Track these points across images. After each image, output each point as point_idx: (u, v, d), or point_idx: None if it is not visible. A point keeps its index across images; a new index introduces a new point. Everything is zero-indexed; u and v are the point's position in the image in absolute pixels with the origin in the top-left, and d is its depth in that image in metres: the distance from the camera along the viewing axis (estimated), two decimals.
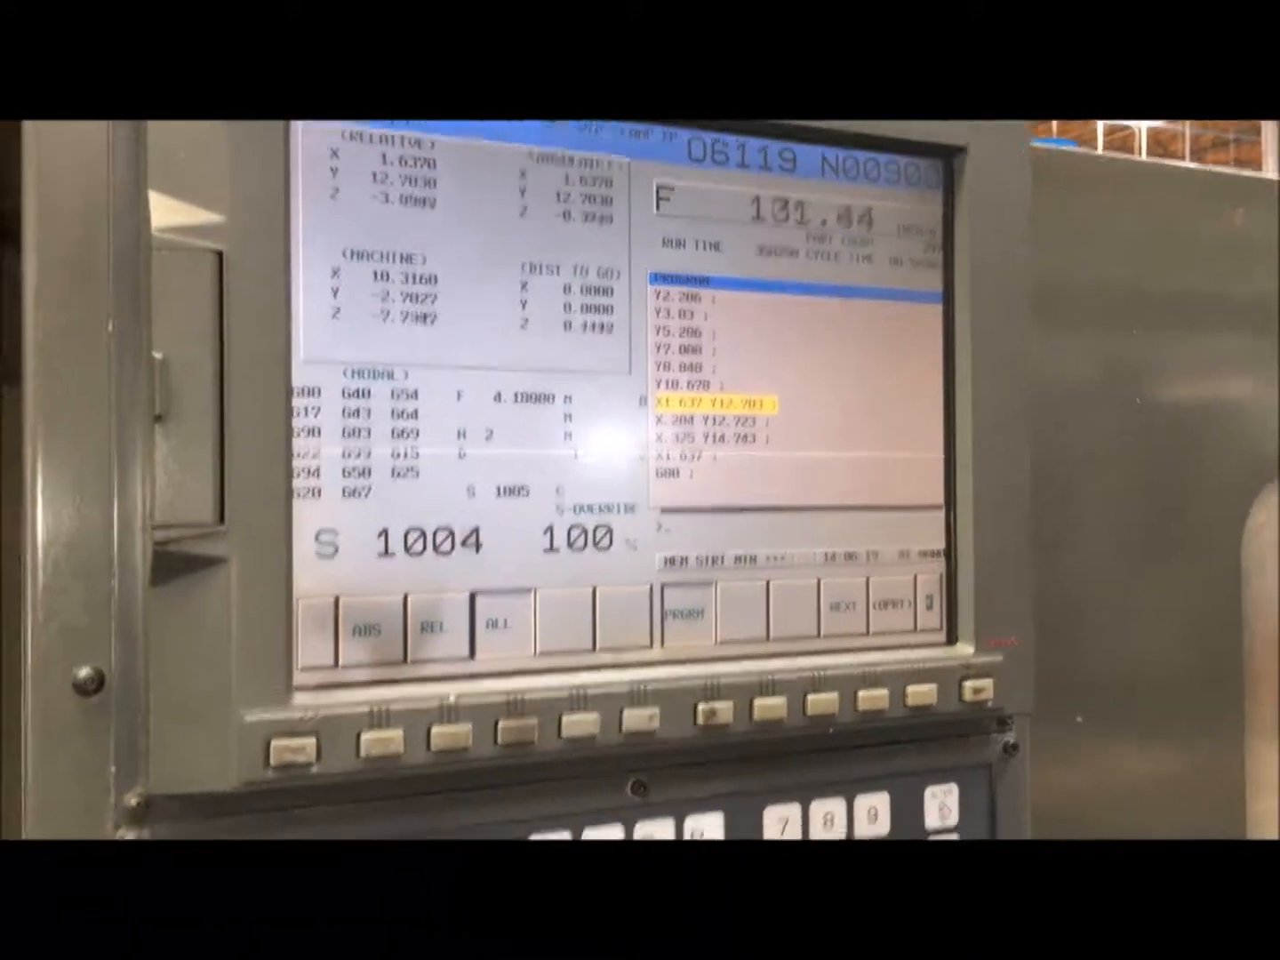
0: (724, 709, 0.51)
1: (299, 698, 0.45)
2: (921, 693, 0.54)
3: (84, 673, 0.44)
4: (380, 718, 0.45)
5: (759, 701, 0.51)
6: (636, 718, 0.49)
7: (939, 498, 0.58)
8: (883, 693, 0.54)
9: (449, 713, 0.46)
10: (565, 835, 0.51)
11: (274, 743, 0.44)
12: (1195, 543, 0.79)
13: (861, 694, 0.53)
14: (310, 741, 0.44)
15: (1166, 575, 0.78)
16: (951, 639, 0.57)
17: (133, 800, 0.44)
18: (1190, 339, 0.78)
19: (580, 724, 0.48)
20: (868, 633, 0.56)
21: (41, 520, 0.44)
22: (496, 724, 0.47)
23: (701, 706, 0.50)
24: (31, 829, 0.44)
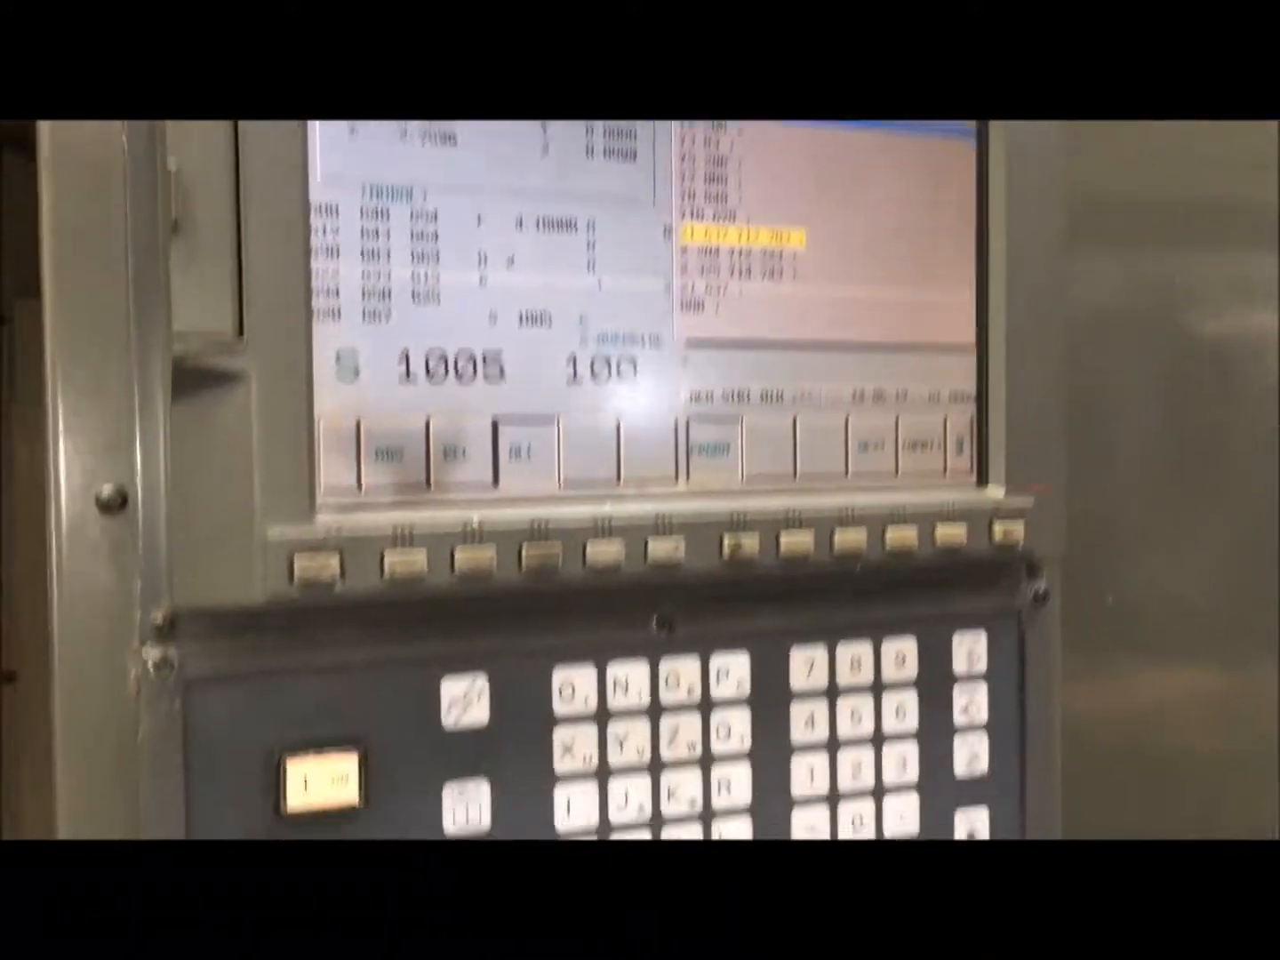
0: (750, 542, 0.50)
1: (322, 517, 0.45)
2: (950, 533, 0.54)
3: (107, 491, 0.44)
4: (404, 538, 0.45)
5: (785, 536, 0.51)
6: (661, 548, 0.49)
7: (970, 339, 0.56)
8: (911, 531, 0.53)
9: (473, 536, 0.46)
10: (590, 668, 0.51)
11: (297, 560, 0.43)
12: (1235, 466, 0.79)
13: (890, 532, 0.53)
14: (334, 559, 0.44)
15: (1205, 499, 0.78)
16: (982, 482, 0.56)
17: (158, 616, 0.45)
18: (1229, 254, 0.76)
19: (604, 552, 0.48)
20: (896, 474, 0.55)
21: (59, 337, 0.43)
22: (520, 549, 0.47)
23: (727, 539, 0.50)
24: (59, 652, 0.44)
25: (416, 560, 0.45)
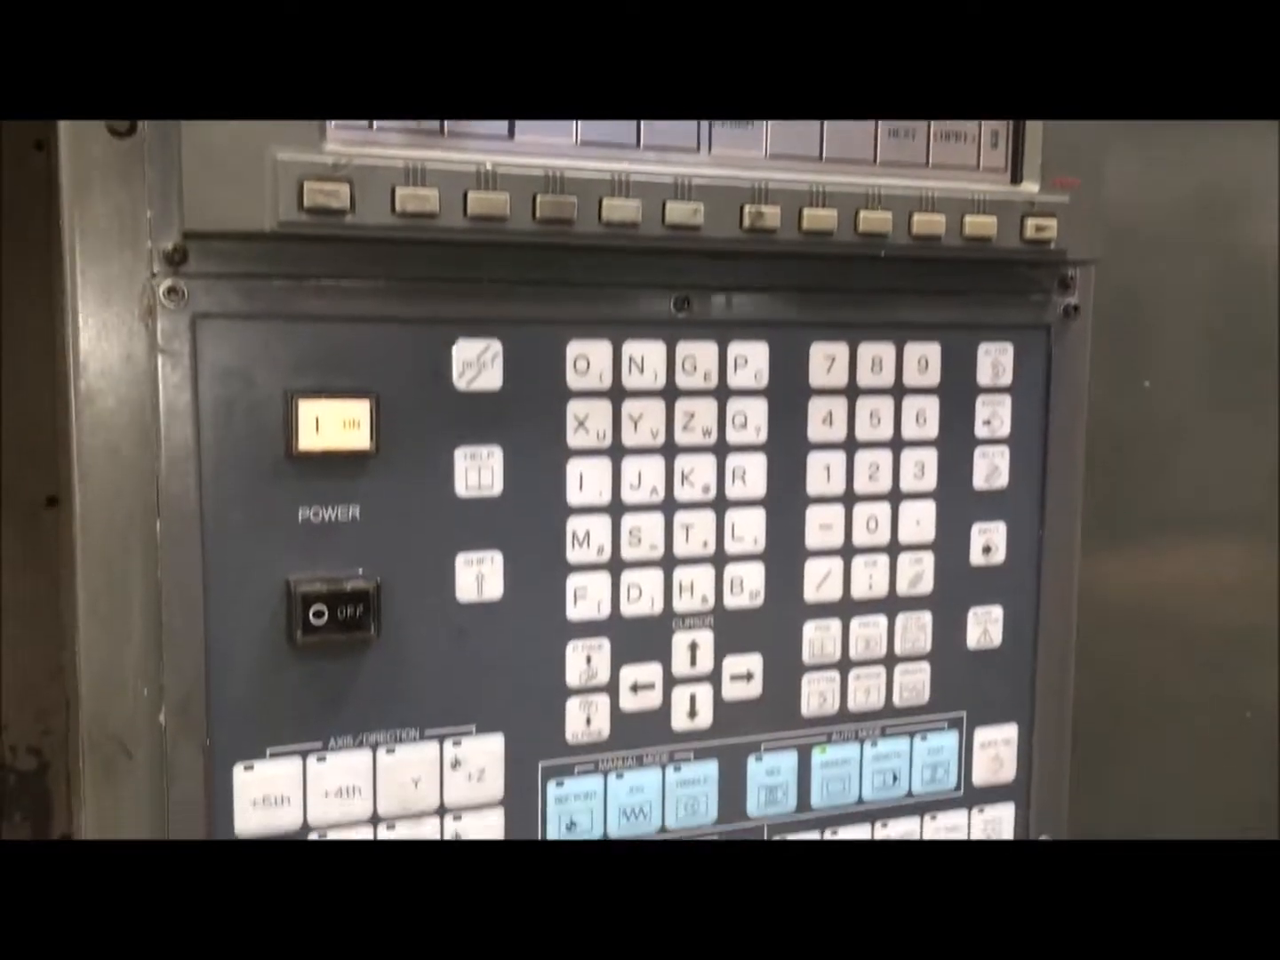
0: (771, 213, 0.49)
1: (332, 146, 0.44)
2: (980, 223, 0.52)
3: None
4: (416, 175, 0.44)
5: (809, 211, 0.49)
6: (680, 211, 0.48)
7: None
8: (939, 218, 0.51)
9: (486, 179, 0.45)
10: (605, 343, 0.51)
11: (307, 185, 0.43)
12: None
13: (917, 217, 0.51)
14: (344, 188, 0.43)
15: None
16: (1016, 178, 0.54)
17: (169, 244, 0.44)
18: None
19: (622, 209, 0.47)
20: (928, 164, 0.53)
21: None
22: (535, 198, 0.46)
23: (748, 208, 0.49)
24: (73, 280, 0.44)
25: (429, 197, 0.44)
